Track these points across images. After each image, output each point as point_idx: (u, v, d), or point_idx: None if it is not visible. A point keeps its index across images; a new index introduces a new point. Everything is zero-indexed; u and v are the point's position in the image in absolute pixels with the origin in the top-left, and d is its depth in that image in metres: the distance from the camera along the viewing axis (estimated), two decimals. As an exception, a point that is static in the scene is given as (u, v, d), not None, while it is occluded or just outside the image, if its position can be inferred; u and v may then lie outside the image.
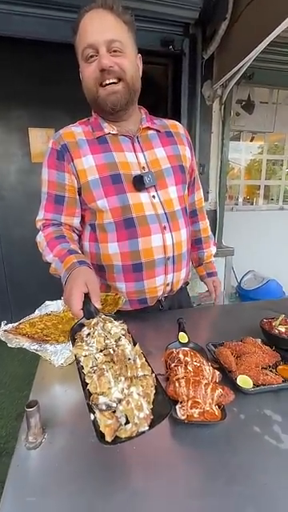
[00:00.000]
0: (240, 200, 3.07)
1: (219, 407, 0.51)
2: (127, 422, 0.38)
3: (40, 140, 2.56)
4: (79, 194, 0.83)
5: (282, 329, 0.74)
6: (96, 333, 0.51)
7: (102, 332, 0.52)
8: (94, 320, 0.55)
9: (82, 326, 0.55)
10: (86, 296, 0.60)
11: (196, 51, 2.15)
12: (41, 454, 0.44)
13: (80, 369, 0.46)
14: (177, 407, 0.51)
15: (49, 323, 0.80)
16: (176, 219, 0.86)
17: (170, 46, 2.07)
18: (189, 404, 0.50)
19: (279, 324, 0.76)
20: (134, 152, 0.83)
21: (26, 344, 0.64)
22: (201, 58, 2.19)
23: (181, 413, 0.50)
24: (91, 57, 0.73)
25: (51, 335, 0.75)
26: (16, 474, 0.41)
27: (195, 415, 0.49)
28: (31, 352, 0.64)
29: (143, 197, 0.81)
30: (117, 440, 0.36)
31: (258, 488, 0.39)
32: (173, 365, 0.61)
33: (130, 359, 0.47)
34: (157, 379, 0.45)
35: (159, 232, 0.82)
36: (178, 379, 0.55)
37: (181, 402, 0.51)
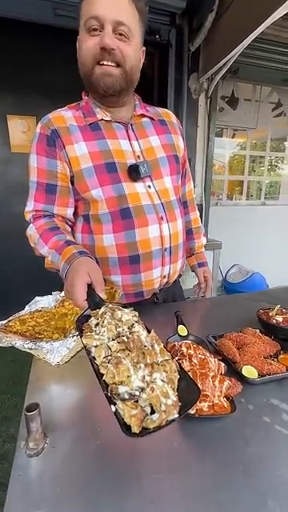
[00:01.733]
0: (224, 195, 3.12)
1: (227, 399, 0.50)
2: (152, 412, 0.34)
3: (20, 129, 2.42)
4: (72, 183, 0.78)
5: (280, 318, 0.74)
6: (106, 321, 0.47)
7: (111, 321, 0.48)
8: (102, 309, 0.51)
9: (88, 317, 0.51)
10: (89, 287, 0.56)
11: (182, 43, 2.12)
12: (44, 460, 0.40)
13: (92, 359, 0.42)
14: (185, 401, 0.49)
15: (40, 320, 0.75)
16: (172, 209, 0.84)
17: (157, 36, 2.03)
18: (197, 397, 0.49)
19: (276, 314, 0.76)
20: (129, 140, 0.80)
21: (19, 342, 0.59)
22: (187, 49, 2.16)
23: (190, 407, 0.48)
24: (94, 30, 0.67)
25: (44, 332, 0.71)
26: (18, 485, 0.37)
27: (205, 409, 0.48)
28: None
29: (139, 187, 0.78)
30: (145, 431, 0.32)
31: (275, 479, 0.38)
32: (176, 358, 0.58)
33: (147, 346, 0.43)
34: (179, 364, 0.42)
35: (156, 222, 0.79)
36: (184, 373, 0.53)
37: (188, 396, 0.50)
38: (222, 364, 0.57)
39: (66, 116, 0.77)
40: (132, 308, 0.54)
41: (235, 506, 0.35)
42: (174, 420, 0.33)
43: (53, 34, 2.01)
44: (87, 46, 0.69)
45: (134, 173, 0.76)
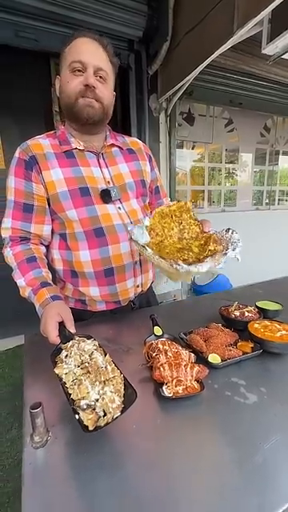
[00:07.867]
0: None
1: (198, 382, 0.61)
2: (105, 415, 0.47)
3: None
4: (48, 204, 0.85)
5: (237, 313, 0.89)
6: (73, 353, 0.62)
7: (77, 351, 0.62)
8: (70, 343, 0.65)
9: (60, 350, 0.65)
10: (61, 323, 0.69)
11: (141, 66, 2.31)
12: (49, 450, 0.48)
13: (63, 384, 0.55)
14: (163, 388, 0.59)
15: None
16: None
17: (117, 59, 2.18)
18: (173, 383, 0.59)
19: (234, 309, 0.91)
20: (100, 167, 0.90)
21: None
22: (146, 73, 2.35)
23: (168, 392, 0.59)
24: (78, 71, 0.79)
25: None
26: (30, 471, 0.44)
27: (180, 391, 0.59)
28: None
29: (110, 208, 0.88)
30: (98, 427, 0.45)
31: (239, 432, 0.51)
32: (154, 354, 0.69)
33: (102, 367, 0.57)
34: (125, 378, 0.55)
35: (127, 240, 0.89)
36: (161, 365, 0.63)
37: (166, 383, 0.60)
38: (192, 354, 0.69)
39: (43, 143, 0.85)
40: (93, 338, 0.68)
41: (211, 454, 0.46)
42: (118, 417, 0.47)
43: (15, 53, 2.05)
44: (73, 83, 0.80)
45: (106, 196, 0.86)
